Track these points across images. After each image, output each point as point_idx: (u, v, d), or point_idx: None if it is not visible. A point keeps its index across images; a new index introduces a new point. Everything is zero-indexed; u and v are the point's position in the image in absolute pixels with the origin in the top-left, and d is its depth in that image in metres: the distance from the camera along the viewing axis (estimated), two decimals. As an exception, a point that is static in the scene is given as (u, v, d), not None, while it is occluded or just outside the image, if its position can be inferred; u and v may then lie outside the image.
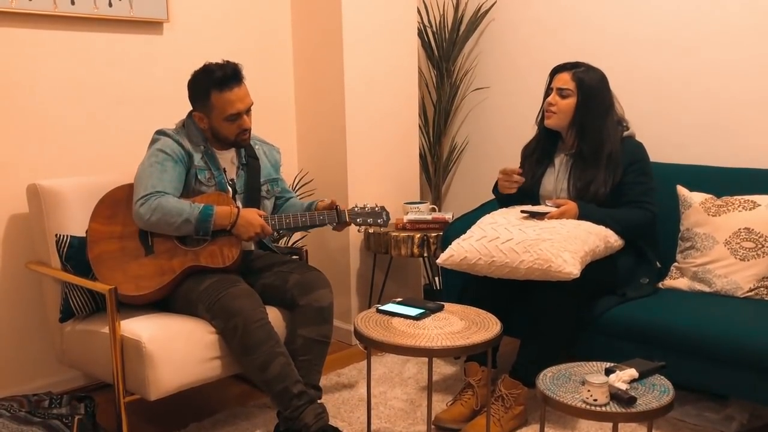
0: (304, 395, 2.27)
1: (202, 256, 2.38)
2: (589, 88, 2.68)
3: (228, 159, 2.53)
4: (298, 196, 3.38)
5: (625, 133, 2.75)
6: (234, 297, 2.28)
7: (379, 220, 2.51)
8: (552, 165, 2.81)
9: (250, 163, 2.57)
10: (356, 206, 2.52)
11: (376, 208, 2.51)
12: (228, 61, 2.42)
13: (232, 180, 2.52)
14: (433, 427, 2.46)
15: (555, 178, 2.79)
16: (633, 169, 2.69)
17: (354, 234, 3.37)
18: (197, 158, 2.44)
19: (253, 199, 2.57)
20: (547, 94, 2.77)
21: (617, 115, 2.75)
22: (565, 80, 2.70)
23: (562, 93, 2.69)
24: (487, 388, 2.34)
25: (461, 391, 2.53)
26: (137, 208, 2.32)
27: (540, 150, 2.83)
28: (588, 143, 2.68)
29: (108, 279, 2.31)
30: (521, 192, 2.78)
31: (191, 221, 2.31)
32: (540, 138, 2.85)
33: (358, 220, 2.49)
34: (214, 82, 2.39)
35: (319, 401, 2.34)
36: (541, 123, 2.82)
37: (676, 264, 2.78)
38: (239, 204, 2.50)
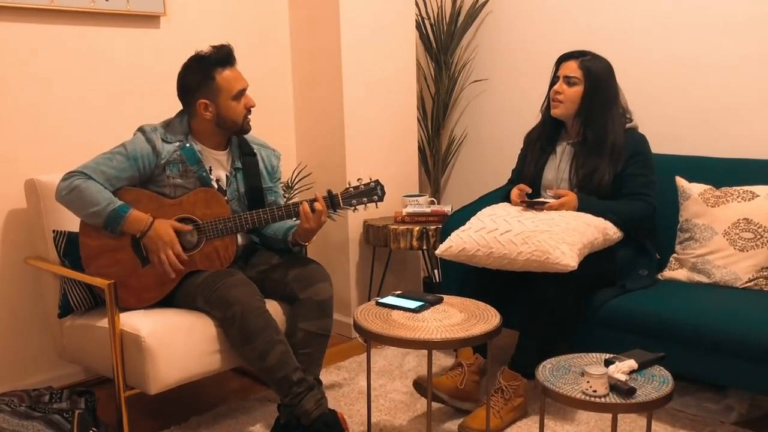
0: (304, 382, 2.27)
1: (198, 260, 2.37)
2: (597, 77, 2.68)
3: (217, 160, 2.48)
4: (297, 190, 3.40)
5: (629, 125, 2.75)
6: (231, 286, 2.28)
7: (374, 197, 2.44)
8: (554, 153, 2.81)
9: (246, 162, 2.51)
10: (349, 185, 2.45)
11: (371, 183, 2.45)
12: (219, 45, 2.39)
13: (217, 180, 2.46)
14: (434, 422, 2.47)
15: (556, 167, 2.79)
16: (634, 161, 2.68)
17: (353, 227, 3.37)
18: (169, 152, 2.37)
19: (255, 200, 2.52)
20: (553, 82, 2.76)
21: (621, 105, 2.75)
22: (572, 68, 2.69)
23: (570, 81, 2.69)
24: (488, 385, 2.34)
25: (452, 368, 2.54)
26: (60, 180, 2.31)
27: (543, 138, 2.83)
28: (593, 132, 2.68)
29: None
30: (523, 181, 2.79)
31: (101, 216, 2.26)
32: (544, 126, 2.84)
33: (353, 202, 2.43)
34: (216, 62, 2.36)
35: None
36: (546, 111, 2.81)
37: (675, 255, 2.78)
38: (234, 206, 2.47)
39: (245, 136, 2.55)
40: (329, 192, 2.42)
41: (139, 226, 2.28)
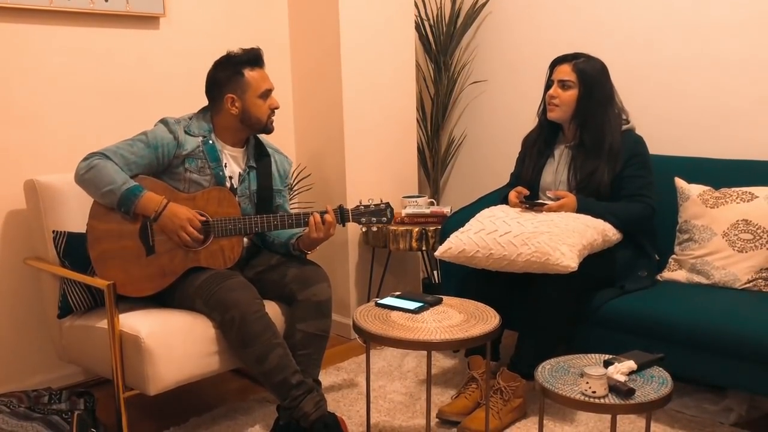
0: (303, 385, 2.27)
1: (203, 256, 2.37)
2: (591, 79, 2.68)
3: (233, 156, 2.51)
4: (296, 191, 3.41)
5: (626, 127, 2.75)
6: (230, 289, 2.29)
7: (383, 218, 2.50)
8: (552, 157, 2.82)
9: (260, 162, 2.55)
10: (360, 203, 2.50)
11: (381, 205, 2.50)
12: (249, 47, 2.47)
13: (230, 177, 2.49)
14: (435, 421, 2.47)
15: (554, 170, 2.79)
16: (633, 163, 2.69)
17: (353, 228, 3.37)
18: (191, 146, 2.41)
19: (264, 199, 2.55)
20: (548, 86, 2.77)
21: (618, 105, 2.75)
22: (566, 72, 2.70)
23: (564, 84, 2.69)
24: (486, 380, 2.34)
25: (465, 384, 2.53)
26: (81, 160, 2.34)
27: (541, 142, 2.84)
28: (590, 134, 2.68)
29: (110, 280, 2.29)
30: (522, 184, 2.80)
31: (116, 194, 2.28)
32: (541, 130, 2.85)
33: (362, 219, 2.48)
34: (246, 61, 2.44)
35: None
36: (542, 115, 2.82)
37: (674, 256, 2.78)
38: (244, 203, 2.49)
39: (262, 140, 2.59)
40: (340, 206, 2.47)
41: (153, 206, 2.31)
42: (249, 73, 2.44)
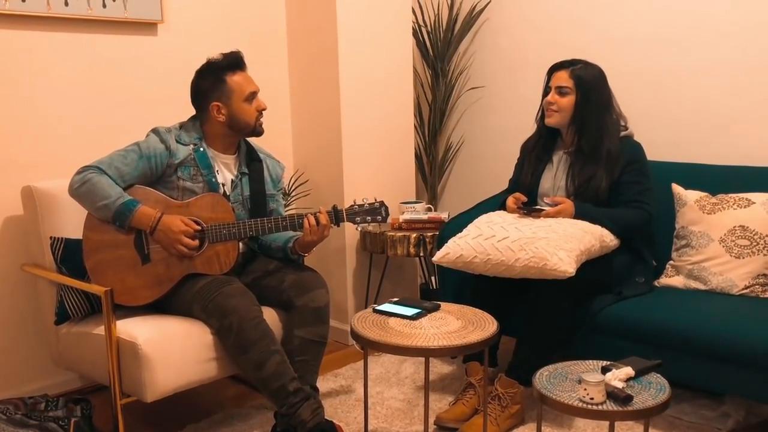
0: (300, 392, 2.27)
1: (198, 262, 2.37)
2: (588, 85, 2.69)
3: (225, 163, 2.51)
4: (293, 197, 3.40)
5: (624, 133, 2.75)
6: (228, 296, 2.28)
7: (378, 217, 2.49)
8: (550, 162, 2.82)
9: (252, 167, 2.55)
10: (354, 203, 2.50)
11: (375, 204, 2.49)
12: (229, 51, 2.46)
13: (222, 184, 2.48)
14: (432, 427, 2.46)
15: (553, 176, 2.79)
16: (631, 169, 2.69)
17: (350, 234, 3.37)
18: (182, 154, 2.41)
19: (258, 203, 2.55)
20: (545, 92, 2.78)
21: (616, 112, 2.76)
22: (563, 78, 2.71)
23: (562, 91, 2.70)
24: (484, 387, 2.34)
25: (463, 391, 2.53)
26: (74, 174, 2.34)
27: (540, 147, 2.84)
28: (587, 139, 2.69)
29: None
30: (520, 190, 2.80)
31: (110, 209, 2.28)
32: (540, 136, 2.86)
33: (357, 219, 2.48)
34: (227, 66, 2.43)
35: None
36: (541, 121, 2.82)
37: (671, 262, 2.79)
38: (238, 209, 2.49)
39: (253, 145, 2.59)
40: (334, 207, 2.47)
41: (147, 221, 2.30)
42: (231, 78, 2.43)
